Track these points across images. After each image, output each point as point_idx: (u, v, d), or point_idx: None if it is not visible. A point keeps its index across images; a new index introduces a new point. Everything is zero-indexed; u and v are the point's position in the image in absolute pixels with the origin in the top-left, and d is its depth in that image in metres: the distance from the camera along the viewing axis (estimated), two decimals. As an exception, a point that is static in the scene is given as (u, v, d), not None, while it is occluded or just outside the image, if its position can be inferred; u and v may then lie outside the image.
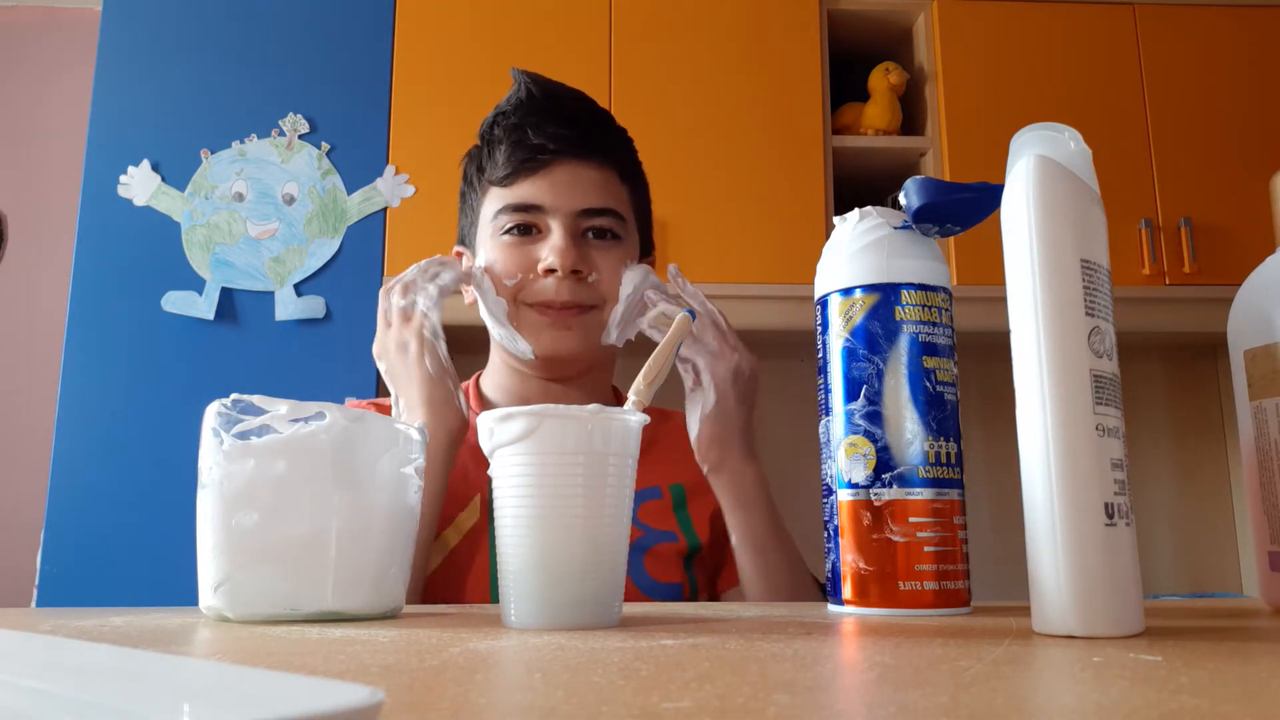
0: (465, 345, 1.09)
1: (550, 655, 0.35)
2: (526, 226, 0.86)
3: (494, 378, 0.94)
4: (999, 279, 0.45)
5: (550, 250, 0.84)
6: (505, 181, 0.87)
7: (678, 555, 0.86)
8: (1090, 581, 0.39)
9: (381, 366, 0.83)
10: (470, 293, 0.93)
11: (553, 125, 0.86)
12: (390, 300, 0.83)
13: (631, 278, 0.85)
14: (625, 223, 0.89)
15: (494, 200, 0.88)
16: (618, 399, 0.97)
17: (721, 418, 0.79)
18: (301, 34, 1.84)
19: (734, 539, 0.81)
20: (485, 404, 0.94)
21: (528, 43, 1.86)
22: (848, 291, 0.52)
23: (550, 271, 0.84)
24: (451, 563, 0.82)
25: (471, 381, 0.98)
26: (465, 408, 0.82)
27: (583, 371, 0.90)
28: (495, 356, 0.94)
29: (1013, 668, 0.31)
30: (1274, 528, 0.52)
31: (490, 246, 0.87)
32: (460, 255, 0.95)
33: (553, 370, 0.89)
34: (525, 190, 0.86)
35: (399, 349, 0.81)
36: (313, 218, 1.78)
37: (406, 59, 1.85)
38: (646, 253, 0.95)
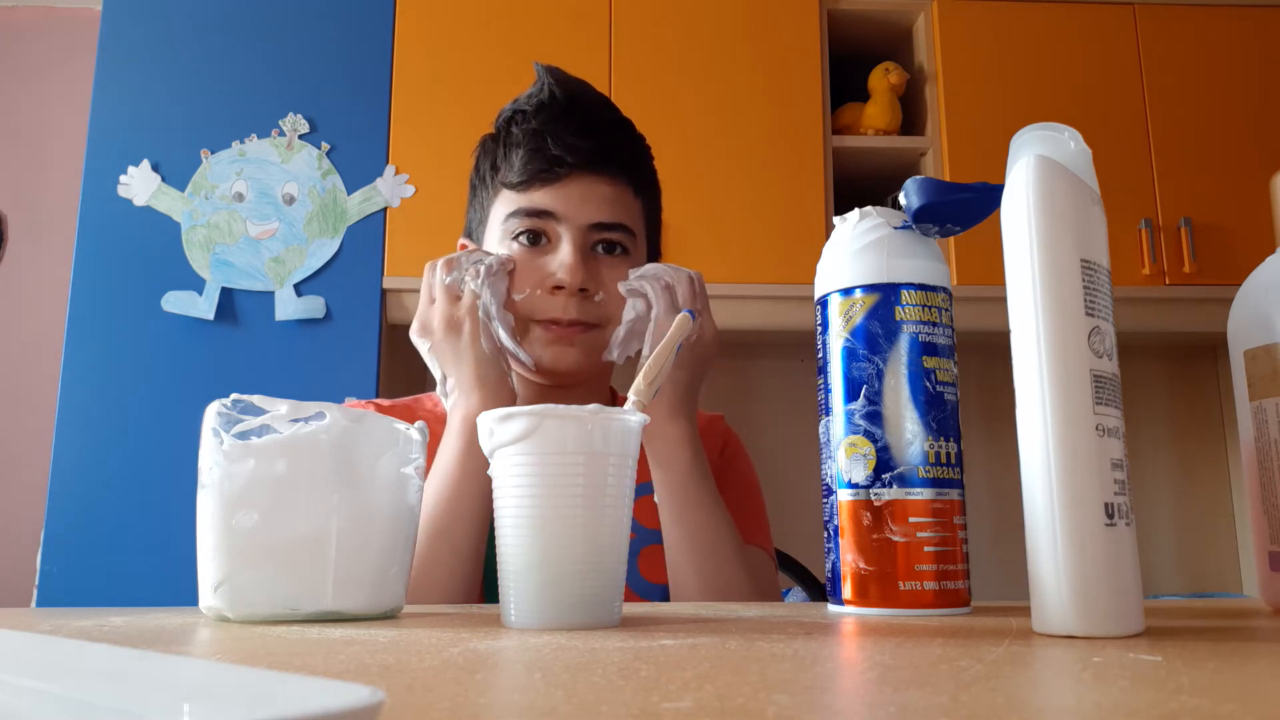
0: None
1: (550, 655, 0.35)
2: (536, 235, 0.86)
3: None
4: (999, 279, 0.45)
5: (559, 266, 0.84)
6: (520, 187, 0.86)
7: None
8: (1090, 581, 0.39)
9: (423, 345, 0.81)
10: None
11: (572, 136, 0.86)
12: (435, 276, 0.81)
13: (634, 305, 0.85)
14: (635, 237, 0.89)
15: (506, 203, 0.88)
16: (614, 401, 0.98)
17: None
18: (301, 34, 1.84)
19: (656, 497, 0.80)
20: None
21: (528, 43, 1.86)
22: (848, 291, 0.52)
23: (558, 288, 0.84)
24: None
25: None
26: (516, 384, 0.82)
27: (581, 382, 0.90)
28: None
29: (1013, 668, 0.31)
30: (1274, 528, 0.52)
31: (503, 250, 0.87)
32: (464, 248, 0.95)
33: (550, 381, 0.89)
34: (539, 197, 0.86)
35: (449, 327, 0.79)
36: (313, 218, 1.78)
37: (406, 59, 1.85)
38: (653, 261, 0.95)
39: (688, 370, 0.80)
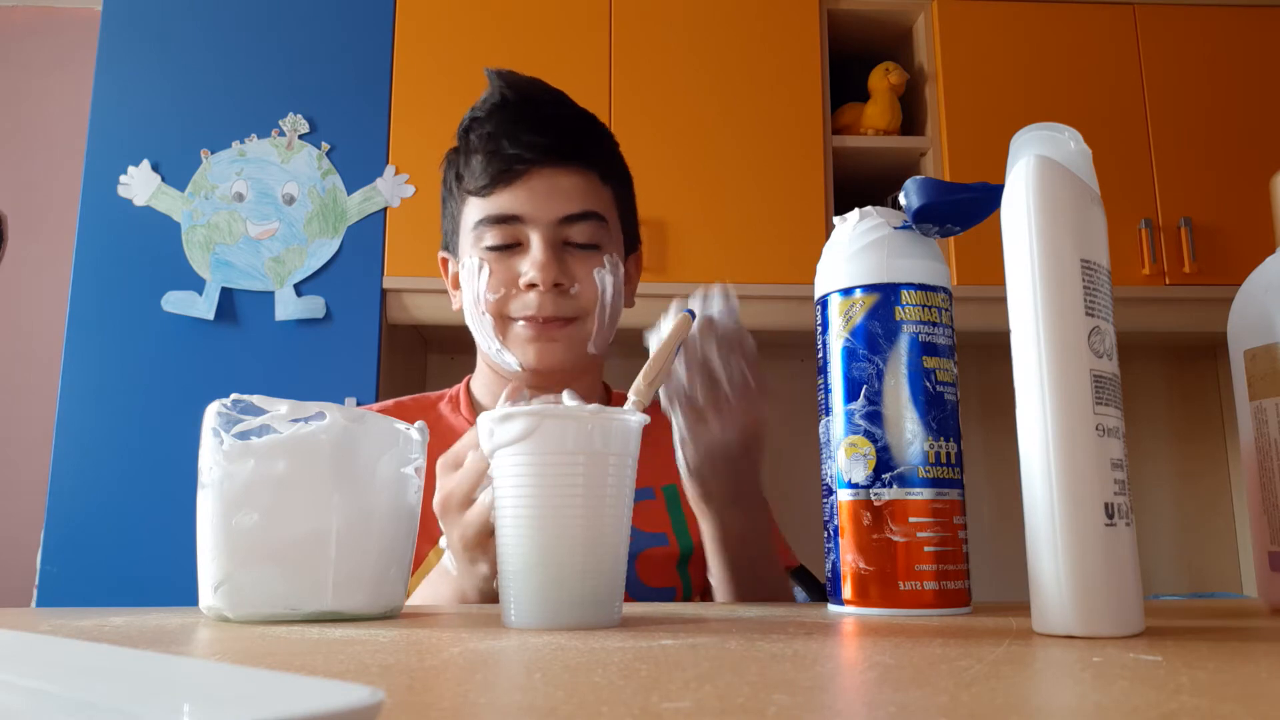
0: (457, 345, 1.08)
1: (550, 655, 0.35)
2: (507, 238, 0.86)
3: (483, 383, 0.94)
4: (999, 279, 0.45)
5: (531, 265, 0.84)
6: (483, 192, 0.86)
7: (669, 559, 0.86)
8: (1090, 581, 0.39)
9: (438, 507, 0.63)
10: (456, 298, 0.93)
11: (529, 134, 0.85)
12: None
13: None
14: (607, 225, 0.88)
15: (473, 210, 0.87)
16: (608, 395, 0.97)
17: (709, 461, 0.69)
18: (301, 34, 1.84)
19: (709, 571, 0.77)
20: (476, 408, 0.94)
21: (528, 43, 1.86)
22: (848, 291, 0.52)
23: (532, 286, 0.84)
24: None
25: (462, 385, 0.97)
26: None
27: (571, 380, 0.89)
28: (482, 364, 0.94)
29: (1013, 668, 0.31)
30: (1274, 528, 0.52)
31: (472, 258, 0.87)
32: (445, 262, 0.95)
33: (539, 381, 0.88)
34: (503, 201, 0.85)
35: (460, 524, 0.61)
36: (313, 218, 1.78)
37: (406, 59, 1.85)
38: (632, 248, 0.94)
39: (747, 456, 0.69)
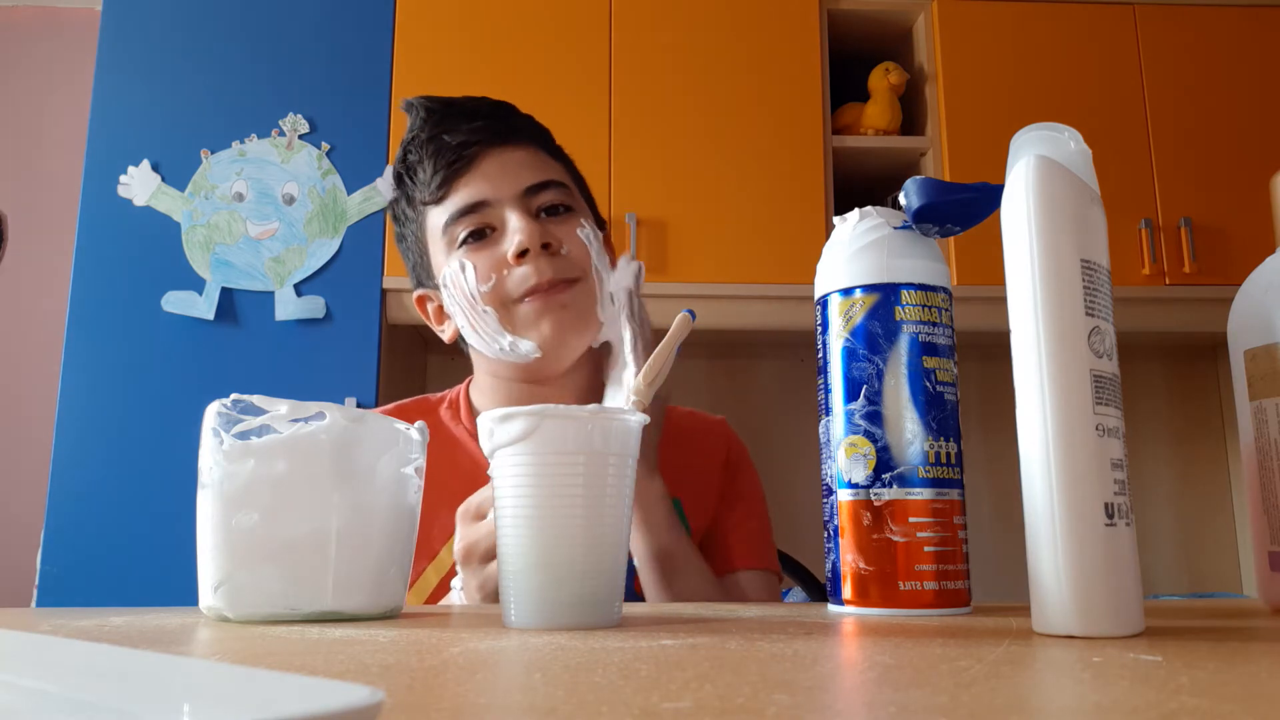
0: (457, 346, 1.08)
1: (550, 655, 0.35)
2: (480, 231, 0.84)
3: (482, 388, 0.92)
4: (999, 279, 0.45)
5: (513, 234, 0.81)
6: (440, 191, 0.85)
7: None
8: (1090, 581, 0.39)
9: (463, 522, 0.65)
10: (446, 329, 0.90)
11: (465, 123, 0.85)
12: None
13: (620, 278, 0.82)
14: (571, 192, 0.87)
15: (437, 216, 0.85)
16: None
17: None
18: (301, 34, 1.84)
19: (637, 561, 0.76)
20: (475, 414, 0.92)
21: (527, 43, 1.86)
22: (848, 291, 0.52)
23: (521, 256, 0.81)
24: (447, 582, 0.83)
25: (461, 389, 0.95)
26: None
27: (573, 368, 0.87)
28: (480, 370, 0.92)
29: (1013, 668, 0.31)
30: (1274, 528, 0.52)
31: (450, 265, 0.84)
32: (422, 299, 0.92)
33: (552, 366, 0.85)
34: (464, 192, 0.84)
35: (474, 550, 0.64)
36: (313, 218, 1.78)
37: (406, 59, 1.85)
38: (599, 228, 0.91)
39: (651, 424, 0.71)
